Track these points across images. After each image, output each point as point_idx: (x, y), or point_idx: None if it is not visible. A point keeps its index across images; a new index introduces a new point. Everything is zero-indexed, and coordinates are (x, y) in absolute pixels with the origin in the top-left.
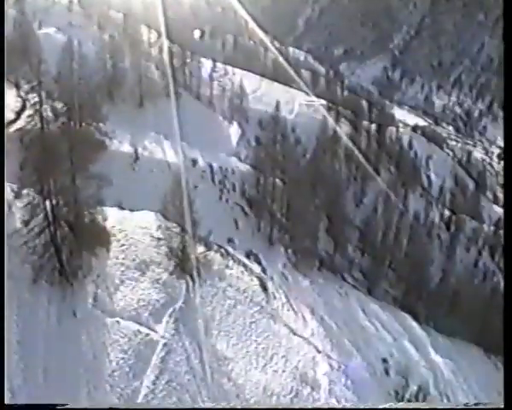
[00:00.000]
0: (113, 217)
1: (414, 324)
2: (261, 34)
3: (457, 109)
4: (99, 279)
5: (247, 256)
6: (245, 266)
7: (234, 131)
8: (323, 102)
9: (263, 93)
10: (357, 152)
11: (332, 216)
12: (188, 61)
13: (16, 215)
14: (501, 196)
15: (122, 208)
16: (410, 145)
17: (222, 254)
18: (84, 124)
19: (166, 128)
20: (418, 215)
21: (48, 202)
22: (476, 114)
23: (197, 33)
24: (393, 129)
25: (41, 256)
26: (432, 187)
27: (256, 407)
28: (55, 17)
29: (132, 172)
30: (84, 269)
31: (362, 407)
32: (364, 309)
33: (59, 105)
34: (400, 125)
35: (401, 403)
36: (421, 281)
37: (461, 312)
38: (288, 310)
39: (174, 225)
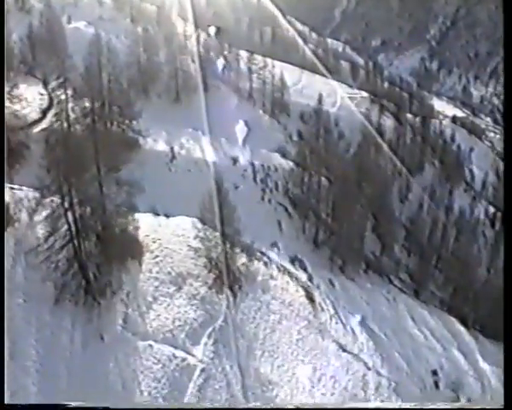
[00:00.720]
0: (146, 225)
1: (462, 329)
2: (299, 25)
3: (495, 100)
4: (130, 297)
5: (292, 262)
6: (290, 274)
7: (240, 129)
8: (365, 94)
9: (304, 86)
10: (401, 146)
11: (378, 214)
12: (225, 53)
13: (38, 226)
14: None
15: (157, 214)
16: (453, 138)
17: (265, 263)
18: (114, 123)
19: (204, 124)
20: (464, 212)
21: (72, 212)
22: None
23: (212, 30)
24: (436, 121)
25: (64, 273)
26: (475, 181)
27: (256, 407)
28: (85, 11)
29: (168, 173)
30: (114, 286)
31: (362, 407)
32: (413, 316)
33: (87, 103)
34: (441, 116)
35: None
36: (467, 282)
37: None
38: (337, 323)
39: (213, 232)
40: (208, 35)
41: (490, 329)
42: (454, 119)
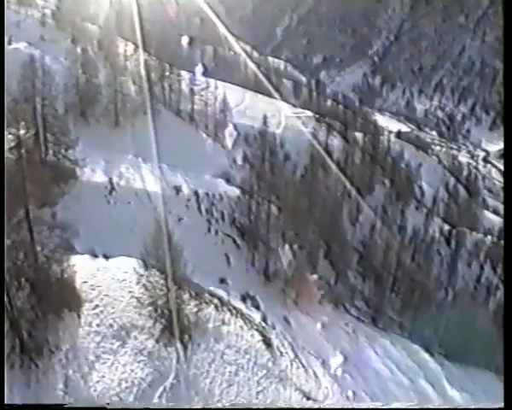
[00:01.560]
0: (83, 269)
1: (426, 356)
2: (240, 44)
3: (440, 113)
4: (69, 356)
5: (244, 300)
6: (243, 316)
7: (229, 133)
8: (310, 113)
9: (246, 106)
10: (350, 166)
11: (330, 240)
12: (166, 74)
13: None
14: (490, 200)
15: (95, 256)
16: (401, 155)
17: (216, 307)
18: (50, 151)
19: (145, 150)
20: (417, 231)
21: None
22: (459, 117)
23: (185, 40)
24: (384, 138)
25: None
26: (425, 198)
27: (257, 407)
28: (27, 31)
29: (107, 207)
30: (51, 344)
31: (362, 406)
32: (375, 348)
33: (21, 131)
34: (386, 132)
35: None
36: (425, 303)
37: (467, 334)
38: (298, 368)
39: (158, 274)
40: (149, 54)
41: (453, 351)
42: (399, 134)
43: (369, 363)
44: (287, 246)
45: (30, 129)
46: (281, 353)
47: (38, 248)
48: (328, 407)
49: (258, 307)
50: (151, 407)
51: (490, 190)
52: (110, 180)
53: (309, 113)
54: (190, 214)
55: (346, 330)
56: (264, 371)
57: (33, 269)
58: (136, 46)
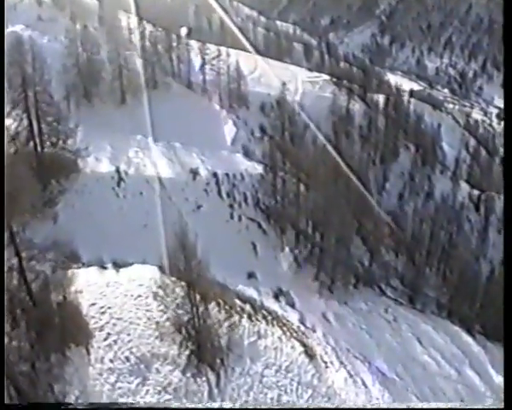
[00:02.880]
0: (90, 287)
1: (469, 339)
2: (247, 10)
3: (451, 71)
4: (79, 406)
5: (276, 297)
6: (279, 322)
7: (228, 129)
8: (326, 76)
9: (261, 73)
10: (373, 131)
11: (360, 214)
12: (174, 44)
13: None
14: None
15: (103, 267)
16: (421, 116)
17: (250, 316)
18: (47, 143)
19: (155, 128)
20: (446, 197)
21: None
22: (470, 74)
23: (184, 31)
24: (403, 99)
25: None
26: (447, 160)
27: (255, 407)
28: (24, 13)
29: (115, 200)
30: (56, 391)
31: (361, 407)
32: (419, 338)
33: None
34: (398, 92)
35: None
36: (460, 276)
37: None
38: (346, 379)
39: (179, 284)
40: (154, 25)
41: (492, 329)
42: (412, 93)
43: (416, 358)
44: (287, 249)
45: (22, 120)
46: (325, 364)
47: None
48: (329, 407)
49: (293, 305)
50: (151, 407)
51: None
52: (117, 169)
53: (326, 76)
54: (210, 200)
55: (386, 319)
56: (310, 392)
57: (29, 297)
58: (140, 18)
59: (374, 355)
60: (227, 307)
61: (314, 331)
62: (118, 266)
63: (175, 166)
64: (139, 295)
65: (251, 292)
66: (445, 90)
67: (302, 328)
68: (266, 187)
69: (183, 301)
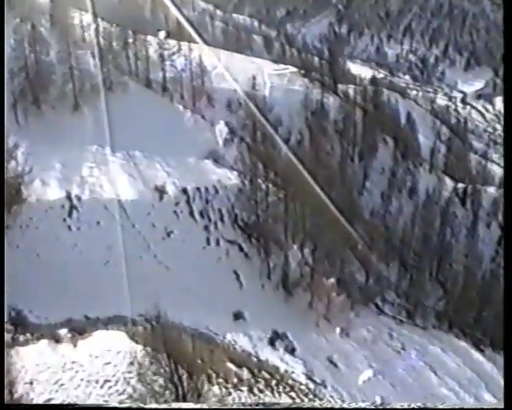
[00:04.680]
0: (42, 372)
1: (479, 356)
2: (203, 4)
3: (412, 57)
4: None
5: (272, 343)
6: (285, 384)
7: (219, 129)
8: (294, 68)
9: (225, 68)
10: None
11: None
12: (130, 40)
13: None
14: (476, 144)
15: (57, 340)
16: (393, 106)
17: (250, 387)
18: None
19: (112, 136)
20: (430, 193)
21: None
22: (432, 60)
23: (162, 34)
24: (374, 89)
25: None
26: (421, 151)
27: (255, 406)
28: None
29: (68, 235)
30: None
31: (361, 406)
32: (432, 366)
33: None
34: (358, 80)
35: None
36: (455, 281)
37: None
38: None
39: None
40: (109, 22)
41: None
42: (373, 80)
43: (434, 393)
44: (295, 246)
45: None
46: None
47: None
48: (328, 406)
49: (293, 351)
50: (153, 407)
51: (473, 133)
52: (68, 195)
53: (293, 68)
54: (181, 224)
55: (394, 349)
56: None
57: None
58: (94, 15)
59: (391, 399)
60: (220, 380)
61: (325, 387)
62: (75, 333)
63: (137, 184)
64: (106, 381)
65: (241, 341)
66: (407, 77)
67: (311, 385)
68: (243, 200)
69: (165, 382)
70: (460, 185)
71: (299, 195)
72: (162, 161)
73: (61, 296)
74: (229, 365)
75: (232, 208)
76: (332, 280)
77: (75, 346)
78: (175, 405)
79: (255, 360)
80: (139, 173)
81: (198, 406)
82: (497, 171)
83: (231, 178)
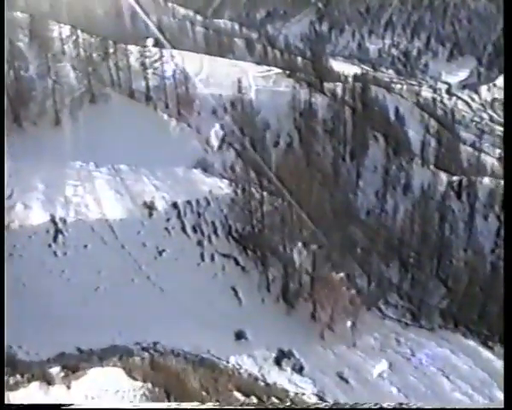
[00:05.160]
0: None
1: (488, 353)
2: (182, 10)
3: (394, 51)
4: None
5: (278, 362)
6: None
7: (215, 133)
8: (277, 70)
9: (208, 73)
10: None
11: (344, 223)
12: (111, 51)
13: None
14: (464, 134)
15: (48, 381)
16: (379, 101)
17: None
18: None
19: (96, 150)
20: (425, 187)
21: None
22: (414, 52)
23: (150, 42)
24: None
25: None
26: (412, 145)
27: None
28: None
29: (54, 262)
30: None
31: (361, 407)
32: (443, 370)
33: None
34: (342, 77)
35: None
36: (456, 278)
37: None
38: None
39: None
40: (88, 33)
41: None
42: (355, 77)
43: (449, 399)
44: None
45: None
46: None
47: None
48: (328, 406)
49: (301, 370)
50: (152, 407)
51: (460, 123)
52: (53, 219)
53: (277, 69)
54: (174, 241)
55: (404, 356)
56: None
57: None
58: (73, 27)
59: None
60: None
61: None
62: (68, 371)
63: (125, 201)
64: None
65: (246, 363)
66: (390, 71)
67: (322, 405)
68: (236, 209)
69: None
70: (455, 178)
71: (294, 200)
72: (150, 174)
73: (50, 328)
74: (236, 394)
75: (225, 219)
76: (341, 275)
77: (69, 388)
78: (174, 405)
79: (263, 384)
80: (126, 189)
81: (198, 406)
82: (489, 160)
83: (222, 188)
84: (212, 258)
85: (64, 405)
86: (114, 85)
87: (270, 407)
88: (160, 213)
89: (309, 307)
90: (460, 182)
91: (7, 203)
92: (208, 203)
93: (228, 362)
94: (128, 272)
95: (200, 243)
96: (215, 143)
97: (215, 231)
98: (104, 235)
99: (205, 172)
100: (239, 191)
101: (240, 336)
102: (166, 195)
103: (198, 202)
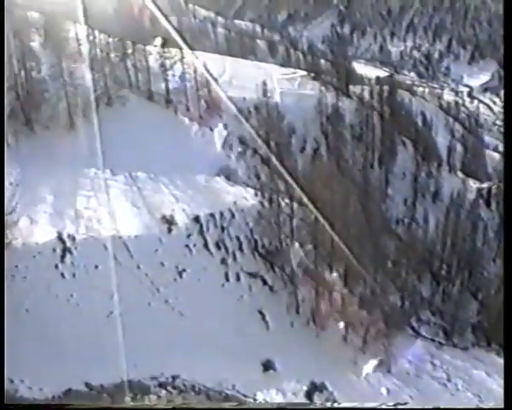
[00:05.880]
0: None
1: None
2: (203, 12)
3: (416, 54)
4: None
5: (310, 397)
6: None
7: (218, 132)
8: (302, 72)
9: (231, 75)
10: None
11: (375, 233)
12: (129, 51)
13: None
14: (487, 138)
15: None
16: (406, 105)
17: None
18: None
19: (112, 156)
20: (454, 196)
21: None
22: (436, 55)
23: (158, 41)
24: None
25: None
26: (439, 151)
27: (256, 407)
28: None
29: (61, 284)
30: None
31: (361, 406)
32: (481, 396)
33: None
34: (365, 80)
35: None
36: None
37: None
38: None
39: None
40: (106, 33)
41: None
42: (381, 80)
43: None
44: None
45: None
46: None
47: None
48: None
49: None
50: (152, 407)
51: (482, 127)
52: (60, 236)
53: (302, 72)
54: (195, 260)
55: (440, 382)
56: None
57: None
58: (90, 27)
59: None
60: None
61: None
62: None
63: (142, 215)
64: None
65: (275, 399)
66: (412, 74)
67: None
68: (263, 222)
69: None
70: (484, 185)
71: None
72: (169, 183)
73: (56, 360)
74: None
75: (251, 233)
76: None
77: None
78: (175, 404)
79: None
80: (143, 201)
81: (199, 406)
82: None
83: (248, 198)
84: (238, 278)
85: (64, 405)
86: (132, 87)
87: (272, 407)
88: (180, 228)
89: (340, 329)
90: (489, 189)
91: (10, 218)
92: (233, 216)
93: (255, 399)
94: (144, 295)
95: (223, 262)
96: (218, 142)
97: (240, 247)
98: (118, 254)
99: (228, 180)
100: (265, 202)
101: (267, 366)
102: (187, 207)
103: (222, 214)
